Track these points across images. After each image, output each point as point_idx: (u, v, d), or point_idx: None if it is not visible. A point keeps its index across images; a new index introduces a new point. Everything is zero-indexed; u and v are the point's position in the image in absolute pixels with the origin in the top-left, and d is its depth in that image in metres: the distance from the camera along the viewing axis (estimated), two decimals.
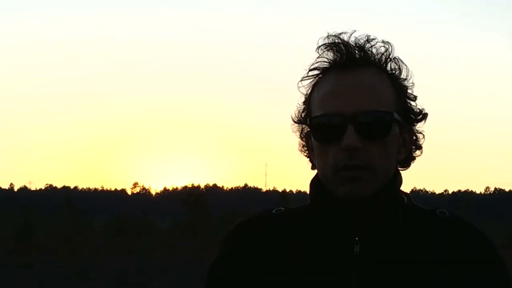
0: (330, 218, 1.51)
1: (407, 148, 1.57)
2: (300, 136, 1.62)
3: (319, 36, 1.56)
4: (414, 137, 1.58)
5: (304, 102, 1.59)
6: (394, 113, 1.50)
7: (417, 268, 1.47)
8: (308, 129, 1.57)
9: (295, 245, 1.53)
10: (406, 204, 1.54)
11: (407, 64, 1.57)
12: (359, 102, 1.47)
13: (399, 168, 1.57)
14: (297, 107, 1.61)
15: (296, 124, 1.62)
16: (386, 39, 1.56)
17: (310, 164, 1.62)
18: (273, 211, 1.63)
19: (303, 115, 1.59)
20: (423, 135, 1.59)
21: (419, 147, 1.59)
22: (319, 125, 1.51)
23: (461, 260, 1.49)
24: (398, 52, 1.56)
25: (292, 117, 1.62)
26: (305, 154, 1.62)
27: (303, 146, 1.62)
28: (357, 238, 1.49)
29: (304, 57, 1.59)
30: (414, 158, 1.60)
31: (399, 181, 1.55)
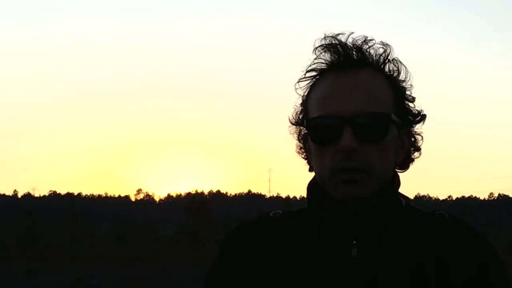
0: (328, 221, 1.49)
1: (406, 150, 1.55)
2: (298, 138, 1.60)
3: (317, 38, 1.55)
4: (413, 139, 1.56)
5: (301, 104, 1.57)
6: (392, 115, 1.48)
7: (415, 271, 1.45)
8: (306, 131, 1.55)
9: (292, 249, 1.52)
10: (404, 206, 1.53)
11: (406, 66, 1.55)
12: (357, 104, 1.45)
13: (398, 170, 1.56)
14: (295, 109, 1.60)
15: (294, 126, 1.60)
16: (385, 41, 1.54)
17: (307, 167, 1.60)
18: (271, 214, 1.61)
19: (300, 117, 1.58)
20: (422, 136, 1.57)
21: (418, 149, 1.58)
22: (316, 126, 1.49)
23: (460, 263, 1.47)
24: (398, 53, 1.55)
25: (289, 119, 1.61)
26: (303, 156, 1.61)
27: (301, 148, 1.60)
28: (354, 242, 1.47)
29: (304, 61, 1.58)
30: (412, 160, 1.58)
31: (397, 183, 1.54)
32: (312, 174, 1.57)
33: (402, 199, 1.54)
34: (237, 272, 1.55)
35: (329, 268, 1.47)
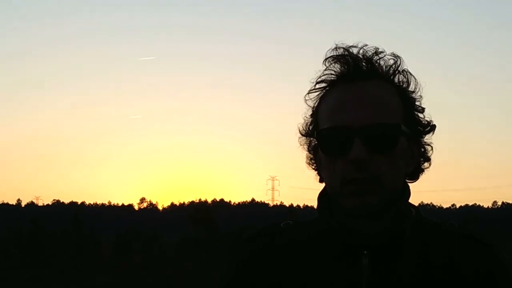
0: (338, 232, 1.50)
1: (416, 161, 1.56)
2: (308, 149, 1.61)
3: (324, 49, 1.56)
4: (423, 149, 1.57)
5: (312, 115, 1.58)
6: (402, 125, 1.49)
7: (425, 282, 1.46)
8: (316, 142, 1.56)
9: (303, 259, 1.53)
10: (414, 216, 1.53)
11: (416, 77, 1.56)
12: (366, 115, 1.46)
13: (407, 181, 1.57)
14: (305, 120, 1.61)
15: (304, 137, 1.62)
16: (396, 52, 1.55)
17: (317, 178, 1.61)
18: (281, 224, 1.62)
19: (310, 128, 1.59)
20: (432, 147, 1.58)
21: (428, 159, 1.58)
22: (327, 138, 1.50)
23: (470, 272, 1.47)
24: (408, 64, 1.55)
25: (299, 130, 1.62)
26: (313, 167, 1.61)
27: (311, 159, 1.61)
28: (365, 252, 1.48)
29: (312, 70, 1.59)
30: (422, 171, 1.59)
31: (407, 193, 1.54)
32: (321, 185, 1.58)
33: (412, 209, 1.55)
34: (248, 282, 1.55)
35: (340, 278, 1.47)
